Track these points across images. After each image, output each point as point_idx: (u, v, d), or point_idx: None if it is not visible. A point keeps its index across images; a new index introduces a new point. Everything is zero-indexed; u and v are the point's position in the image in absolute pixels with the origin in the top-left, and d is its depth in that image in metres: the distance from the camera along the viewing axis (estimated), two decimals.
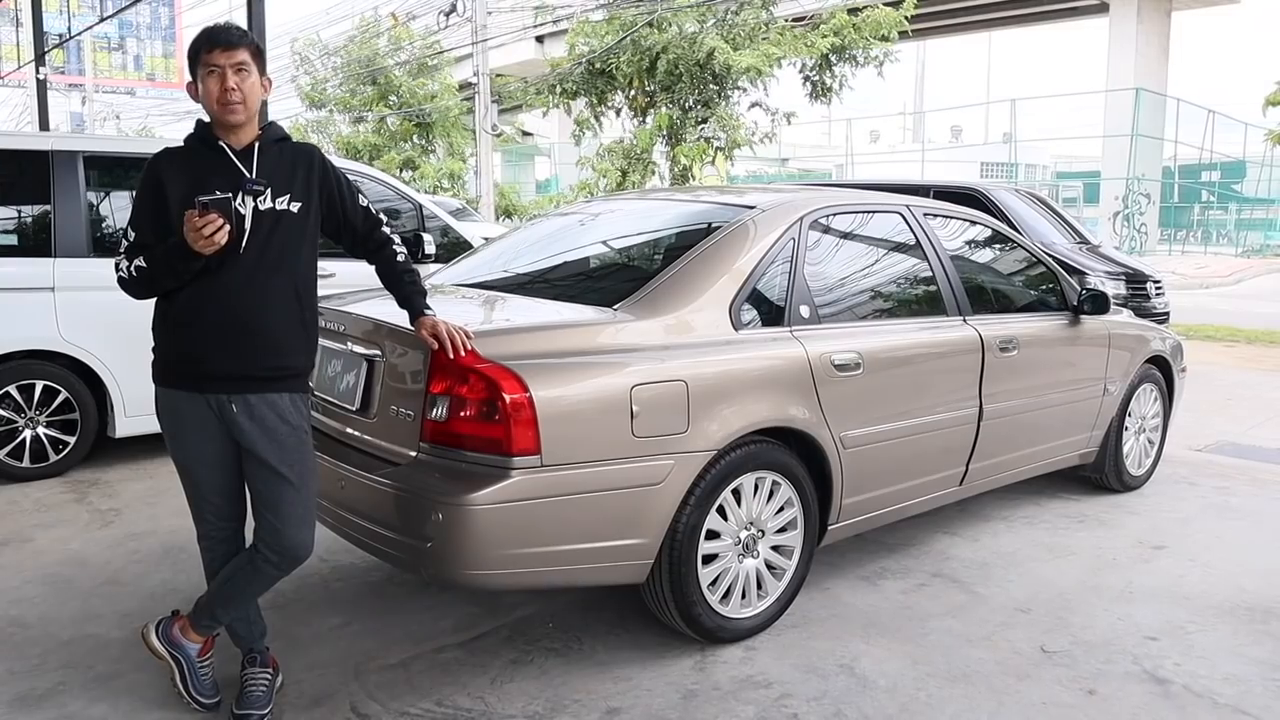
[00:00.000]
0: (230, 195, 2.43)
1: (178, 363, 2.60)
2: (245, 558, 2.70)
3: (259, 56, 2.56)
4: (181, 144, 2.62)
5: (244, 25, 8.45)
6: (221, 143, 2.54)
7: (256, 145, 2.57)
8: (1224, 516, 4.73)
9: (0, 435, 4.96)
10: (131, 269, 2.53)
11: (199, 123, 2.63)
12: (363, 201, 2.77)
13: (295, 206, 2.59)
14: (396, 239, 2.83)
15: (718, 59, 15.38)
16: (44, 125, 19.07)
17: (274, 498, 2.60)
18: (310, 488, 2.66)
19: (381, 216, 2.82)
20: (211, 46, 2.48)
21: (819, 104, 17.05)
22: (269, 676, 2.79)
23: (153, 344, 2.66)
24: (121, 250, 2.58)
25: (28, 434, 5.02)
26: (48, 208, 4.99)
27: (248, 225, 2.50)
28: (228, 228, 2.39)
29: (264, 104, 2.66)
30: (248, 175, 2.52)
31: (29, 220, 5.09)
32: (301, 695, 2.87)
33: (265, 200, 2.52)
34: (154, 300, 2.63)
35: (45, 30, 20.53)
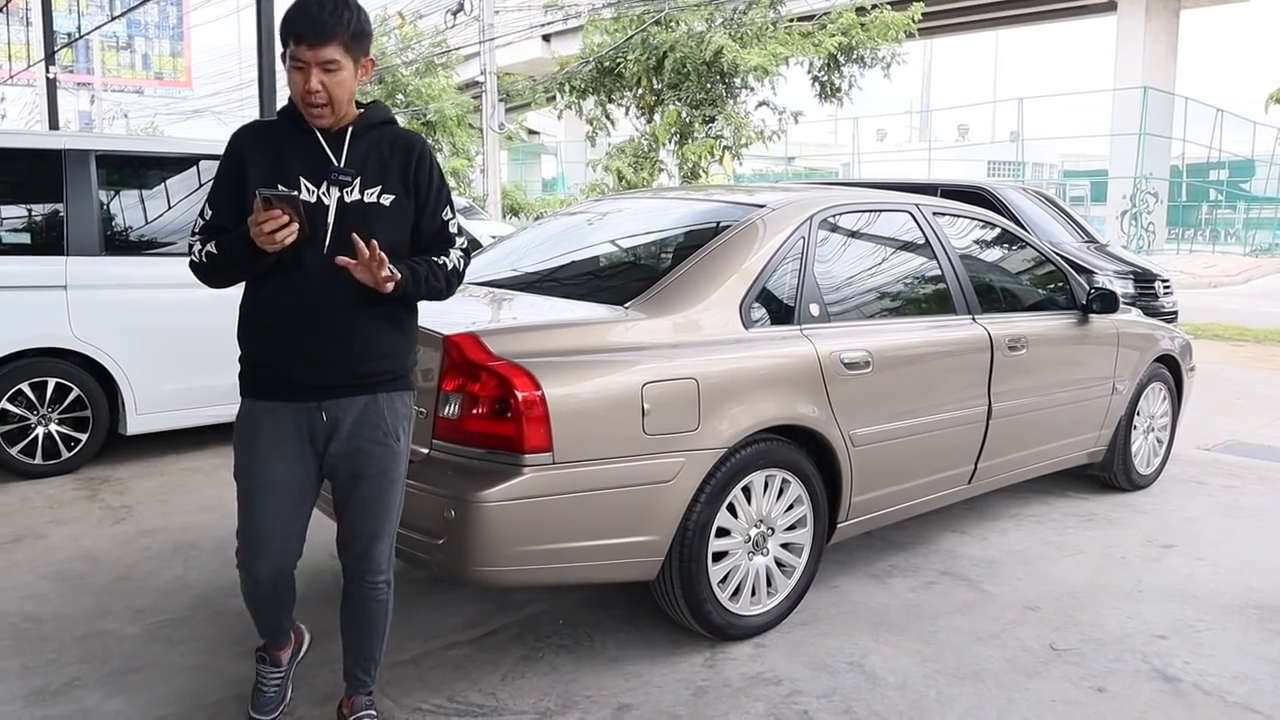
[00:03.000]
0: (296, 192, 2.21)
1: (261, 372, 2.38)
2: (345, 598, 2.54)
3: (356, 43, 2.26)
4: (274, 119, 2.42)
5: (253, 24, 8.37)
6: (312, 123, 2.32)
7: (350, 130, 2.34)
8: (1233, 515, 4.73)
9: (13, 432, 4.99)
10: (203, 254, 2.31)
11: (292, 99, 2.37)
12: (446, 215, 2.45)
13: (387, 199, 2.35)
14: (455, 262, 2.45)
15: (725, 57, 15.37)
16: (53, 124, 19.14)
17: (351, 506, 2.44)
18: (390, 498, 2.46)
19: (459, 240, 2.48)
20: (299, 38, 2.21)
21: (828, 104, 17.03)
22: (279, 679, 2.72)
23: (238, 352, 2.44)
24: (195, 230, 2.36)
25: (40, 431, 5.05)
26: (60, 207, 5.02)
27: (330, 219, 2.29)
28: (295, 226, 2.15)
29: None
30: (335, 163, 2.31)
31: (41, 219, 5.12)
32: (314, 691, 2.88)
33: (353, 191, 2.30)
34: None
35: (54, 29, 20.60)
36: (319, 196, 2.30)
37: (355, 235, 2.19)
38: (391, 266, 2.23)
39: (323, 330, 2.32)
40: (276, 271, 2.29)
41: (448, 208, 2.47)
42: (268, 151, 2.33)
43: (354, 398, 2.38)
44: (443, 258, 2.43)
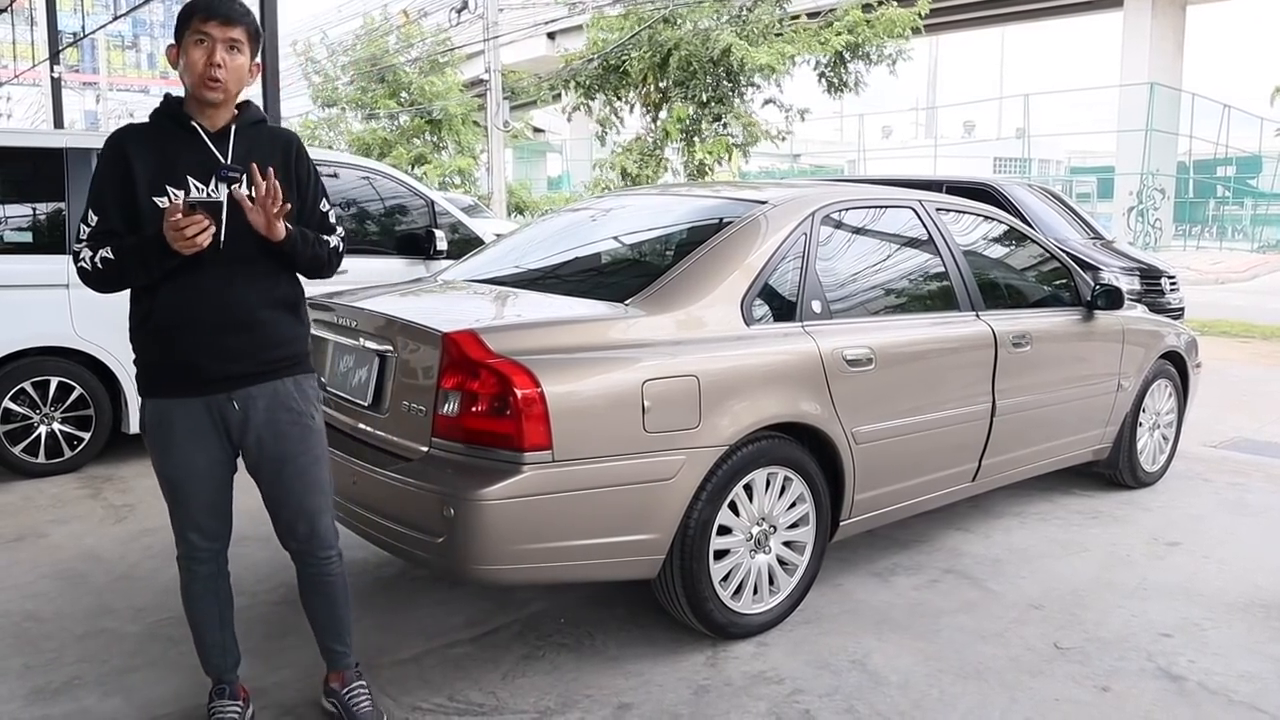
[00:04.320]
0: (222, 200, 2.28)
1: (168, 370, 2.41)
2: (302, 584, 2.65)
3: (255, 40, 2.38)
4: (147, 121, 2.43)
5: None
6: (194, 123, 2.36)
7: (233, 128, 2.39)
8: (1239, 513, 4.70)
9: (15, 431, 4.99)
10: (96, 260, 2.30)
11: (168, 98, 2.44)
12: (324, 207, 2.55)
13: None
14: (334, 244, 2.55)
15: (734, 55, 15.35)
16: (58, 123, 19.17)
17: (286, 492, 2.51)
18: (320, 474, 2.55)
19: (339, 229, 2.59)
20: (208, 15, 2.28)
21: (835, 98, 17.00)
22: (238, 710, 2.65)
23: (133, 355, 2.46)
24: (82, 238, 2.34)
25: (43, 430, 5.05)
26: (62, 205, 5.02)
27: (223, 215, 2.30)
28: (213, 229, 2.23)
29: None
30: (222, 160, 2.35)
31: (44, 218, 5.12)
32: (315, 690, 2.87)
33: (241, 187, 2.32)
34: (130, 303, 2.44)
35: (59, 29, 20.62)
36: (208, 194, 2.34)
37: (255, 165, 2.27)
38: (290, 229, 2.35)
39: (227, 323, 2.38)
40: (175, 271, 2.31)
41: (324, 199, 2.57)
42: (152, 153, 2.35)
43: (262, 384, 2.45)
44: (325, 237, 2.53)
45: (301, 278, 2.54)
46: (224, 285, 2.36)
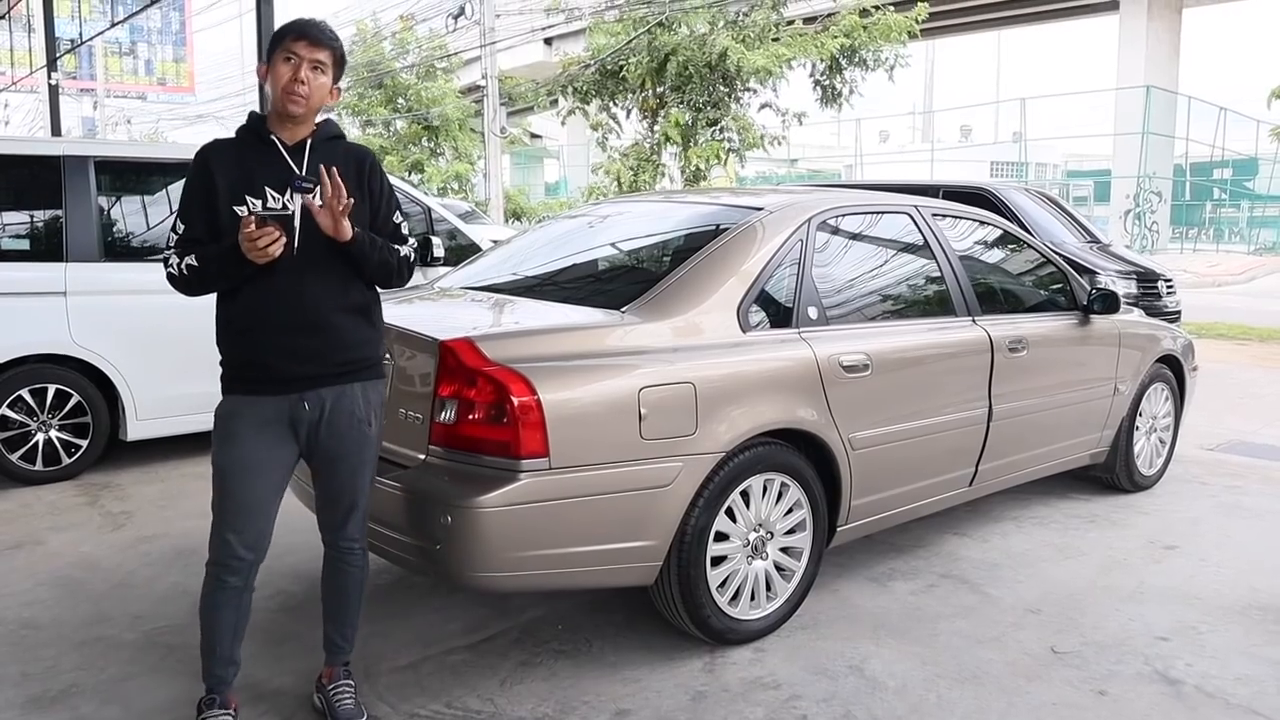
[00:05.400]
0: (291, 211, 2.44)
1: (246, 368, 2.53)
2: (326, 568, 2.76)
3: (340, 64, 2.55)
4: (233, 135, 2.60)
5: (254, 28, 8.47)
6: (274, 136, 2.52)
7: (309, 142, 2.54)
8: (1236, 516, 4.71)
9: (13, 439, 4.99)
10: (183, 267, 2.48)
11: (252, 114, 2.61)
12: (397, 219, 2.67)
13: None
14: (405, 253, 2.66)
15: (731, 59, 15.38)
16: (56, 130, 19.18)
17: (328, 485, 2.64)
18: (362, 477, 2.66)
19: (410, 241, 2.71)
20: (299, 36, 2.46)
21: (834, 109, 17.05)
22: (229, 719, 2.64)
23: (219, 356, 2.59)
24: (170, 245, 2.53)
25: (40, 437, 5.05)
26: (59, 213, 5.02)
27: (297, 224, 2.46)
28: (284, 240, 2.36)
29: None
30: (298, 172, 2.48)
31: (41, 225, 5.12)
32: (316, 707, 2.87)
33: (315, 198, 2.45)
34: (212, 303, 2.58)
35: (57, 36, 20.64)
36: (284, 203, 2.48)
37: (322, 166, 2.40)
38: (357, 234, 2.47)
39: (299, 325, 2.50)
40: (253, 276, 2.45)
41: (397, 212, 2.69)
42: (233, 165, 2.50)
43: (331, 387, 2.55)
44: (397, 247, 2.64)
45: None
46: (297, 289, 2.48)
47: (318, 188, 2.43)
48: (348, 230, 2.44)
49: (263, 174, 2.48)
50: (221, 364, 2.59)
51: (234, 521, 2.53)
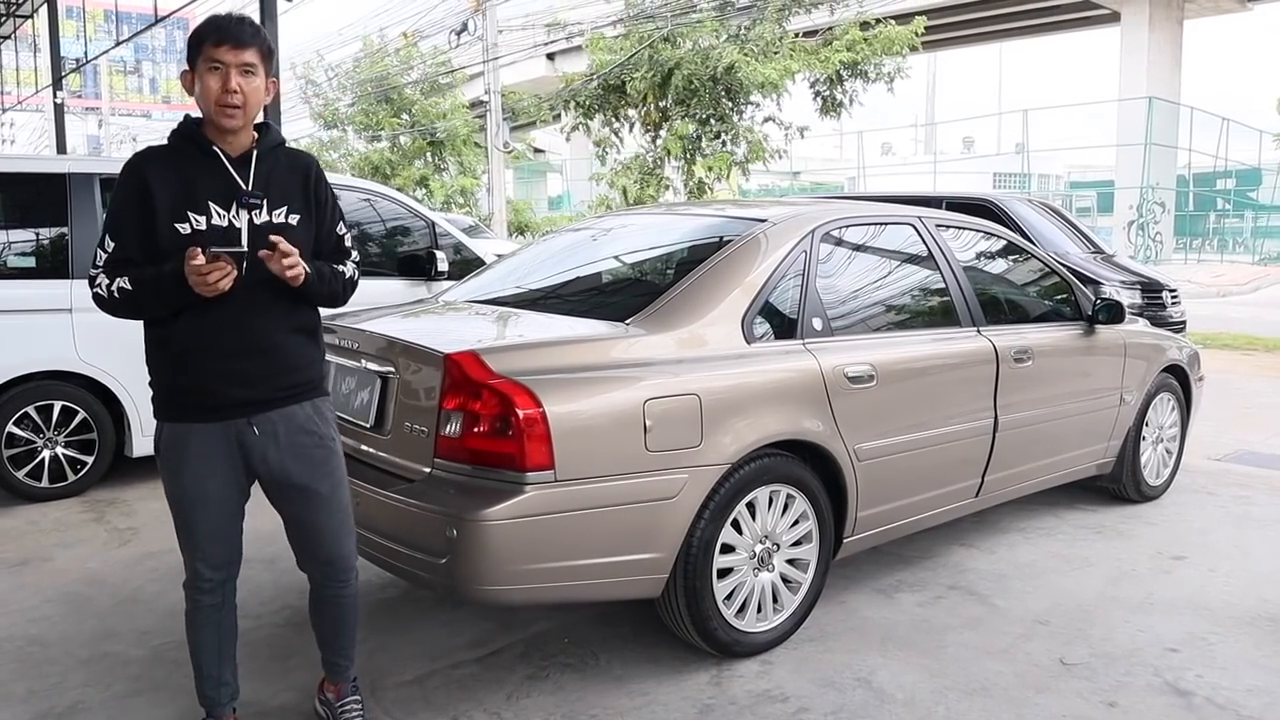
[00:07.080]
0: (245, 249, 2.27)
1: (185, 395, 2.39)
2: (314, 600, 2.67)
3: (268, 58, 2.35)
4: (166, 142, 2.41)
5: None
6: (215, 147, 2.34)
7: (255, 153, 2.38)
8: (1244, 526, 4.69)
9: (19, 455, 4.99)
10: (114, 289, 2.30)
11: (187, 119, 2.42)
12: (340, 230, 2.56)
13: (294, 218, 2.41)
14: (350, 271, 2.58)
15: (739, 71, 15.43)
16: (61, 149, 19.29)
17: (308, 517, 2.52)
18: (342, 497, 2.56)
19: (354, 253, 2.60)
20: (219, 40, 2.26)
21: (829, 119, 17.11)
22: None
23: (149, 377, 2.45)
24: (99, 264, 2.33)
25: (46, 454, 5.06)
26: (65, 230, 5.04)
27: (244, 242, 2.31)
28: (235, 275, 2.22)
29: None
30: (244, 187, 2.33)
31: (47, 242, 5.14)
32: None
33: (261, 214, 2.34)
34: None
35: (62, 55, 20.78)
36: (230, 220, 2.33)
37: (273, 237, 2.28)
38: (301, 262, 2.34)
39: (245, 348, 2.38)
40: (196, 300, 2.30)
41: (341, 222, 2.58)
42: (173, 178, 2.32)
43: (282, 409, 2.45)
44: (340, 266, 2.54)
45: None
46: (242, 312, 2.34)
47: (264, 201, 2.34)
48: (299, 278, 2.33)
49: (206, 188, 2.31)
50: (154, 387, 2.45)
51: (197, 550, 2.50)
